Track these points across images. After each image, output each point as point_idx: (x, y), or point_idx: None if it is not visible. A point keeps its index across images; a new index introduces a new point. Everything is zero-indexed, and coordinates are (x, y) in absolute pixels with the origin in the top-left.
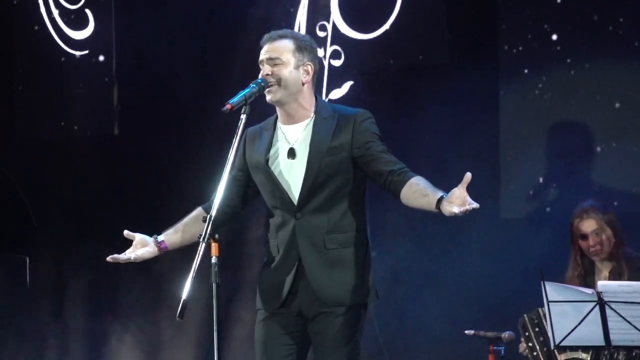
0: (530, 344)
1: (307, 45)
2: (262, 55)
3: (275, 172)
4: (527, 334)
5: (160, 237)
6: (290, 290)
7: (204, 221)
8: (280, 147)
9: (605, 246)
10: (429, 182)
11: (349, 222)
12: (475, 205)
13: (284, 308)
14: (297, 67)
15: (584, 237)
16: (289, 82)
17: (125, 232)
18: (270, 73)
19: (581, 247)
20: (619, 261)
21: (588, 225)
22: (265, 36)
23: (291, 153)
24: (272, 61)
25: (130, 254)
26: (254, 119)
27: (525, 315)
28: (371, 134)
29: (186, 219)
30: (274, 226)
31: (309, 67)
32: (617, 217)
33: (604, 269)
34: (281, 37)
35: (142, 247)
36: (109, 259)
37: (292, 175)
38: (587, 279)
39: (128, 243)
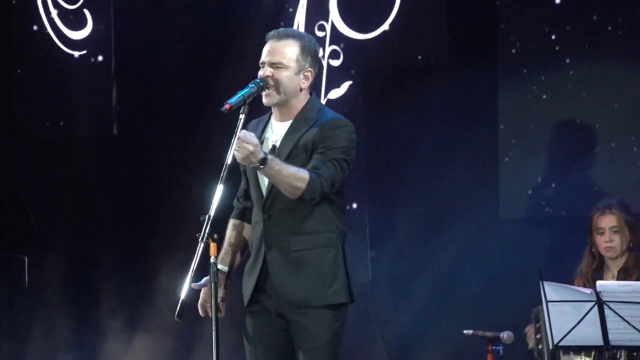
0: (538, 336)
1: (311, 49)
2: (264, 56)
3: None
4: (538, 325)
5: (224, 268)
6: (258, 288)
7: (233, 229)
8: (266, 142)
9: (619, 245)
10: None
11: (317, 222)
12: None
13: (258, 306)
14: (297, 73)
15: (602, 232)
16: (288, 87)
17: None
18: (270, 75)
19: (596, 242)
20: (630, 263)
21: (608, 220)
22: (272, 32)
23: (272, 150)
24: (274, 65)
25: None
26: (258, 115)
27: (540, 306)
28: (333, 140)
29: (229, 236)
30: (252, 223)
31: (310, 73)
32: (637, 219)
33: (614, 267)
34: (287, 37)
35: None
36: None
37: None
38: (597, 275)
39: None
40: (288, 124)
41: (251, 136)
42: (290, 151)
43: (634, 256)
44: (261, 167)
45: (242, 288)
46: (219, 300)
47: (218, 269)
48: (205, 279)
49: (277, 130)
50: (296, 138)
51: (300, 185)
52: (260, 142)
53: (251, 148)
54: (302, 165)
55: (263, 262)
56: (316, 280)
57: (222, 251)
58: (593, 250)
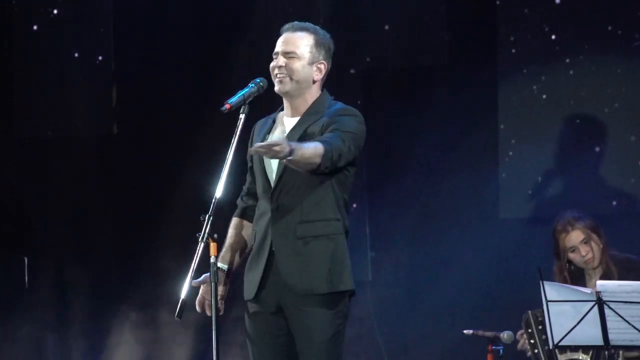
0: (532, 341)
1: (325, 43)
2: (279, 47)
3: (265, 160)
4: (530, 330)
5: (224, 266)
6: (262, 281)
7: (235, 228)
8: (276, 136)
9: (596, 252)
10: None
11: (323, 210)
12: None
13: (259, 300)
14: (311, 64)
15: (574, 249)
16: (301, 77)
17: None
18: (283, 65)
19: (571, 260)
20: (607, 264)
21: (576, 236)
22: (287, 25)
23: None
24: (288, 54)
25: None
26: (258, 114)
27: (529, 312)
28: (340, 124)
29: (230, 234)
30: (257, 216)
31: (323, 65)
32: (595, 220)
33: (594, 275)
34: (302, 29)
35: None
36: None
37: (276, 165)
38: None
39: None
40: (298, 118)
41: (277, 139)
42: (298, 140)
43: (609, 258)
44: (289, 158)
45: (245, 282)
46: (218, 298)
47: (218, 267)
48: (204, 275)
49: (288, 125)
50: (304, 128)
51: (317, 161)
52: (266, 137)
53: (281, 148)
54: None
55: (269, 252)
56: (323, 268)
57: (223, 249)
58: (565, 272)
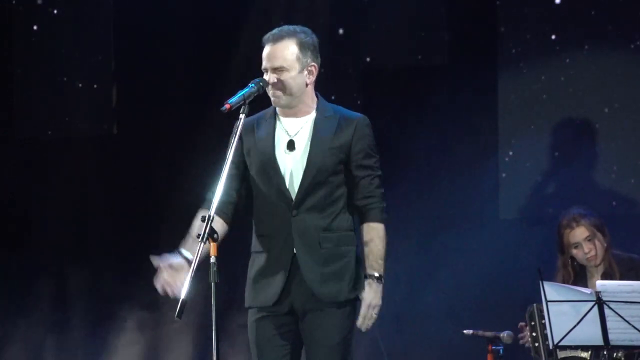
0: (534, 334)
1: (309, 44)
2: (265, 62)
3: (275, 170)
4: (532, 323)
5: (188, 255)
6: (284, 287)
7: (203, 220)
8: (279, 138)
9: (599, 250)
10: (382, 237)
11: (343, 221)
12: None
13: (276, 306)
14: (301, 71)
15: (577, 246)
16: (294, 88)
17: (152, 256)
18: (275, 81)
19: (574, 257)
20: (609, 263)
21: (580, 233)
22: (267, 36)
23: (290, 145)
24: (276, 69)
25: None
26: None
27: (534, 305)
28: (368, 145)
29: (196, 227)
30: (267, 220)
31: (313, 67)
32: (601, 218)
33: (596, 273)
34: (282, 37)
35: (176, 273)
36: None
37: (290, 170)
38: (579, 285)
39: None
40: (302, 120)
41: (372, 310)
42: (327, 151)
43: (611, 257)
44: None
45: (254, 289)
46: (178, 283)
47: (183, 256)
48: (167, 255)
49: (290, 126)
50: (328, 138)
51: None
52: (273, 139)
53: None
54: (339, 162)
55: (292, 259)
56: (346, 275)
57: (190, 239)
58: (569, 267)
